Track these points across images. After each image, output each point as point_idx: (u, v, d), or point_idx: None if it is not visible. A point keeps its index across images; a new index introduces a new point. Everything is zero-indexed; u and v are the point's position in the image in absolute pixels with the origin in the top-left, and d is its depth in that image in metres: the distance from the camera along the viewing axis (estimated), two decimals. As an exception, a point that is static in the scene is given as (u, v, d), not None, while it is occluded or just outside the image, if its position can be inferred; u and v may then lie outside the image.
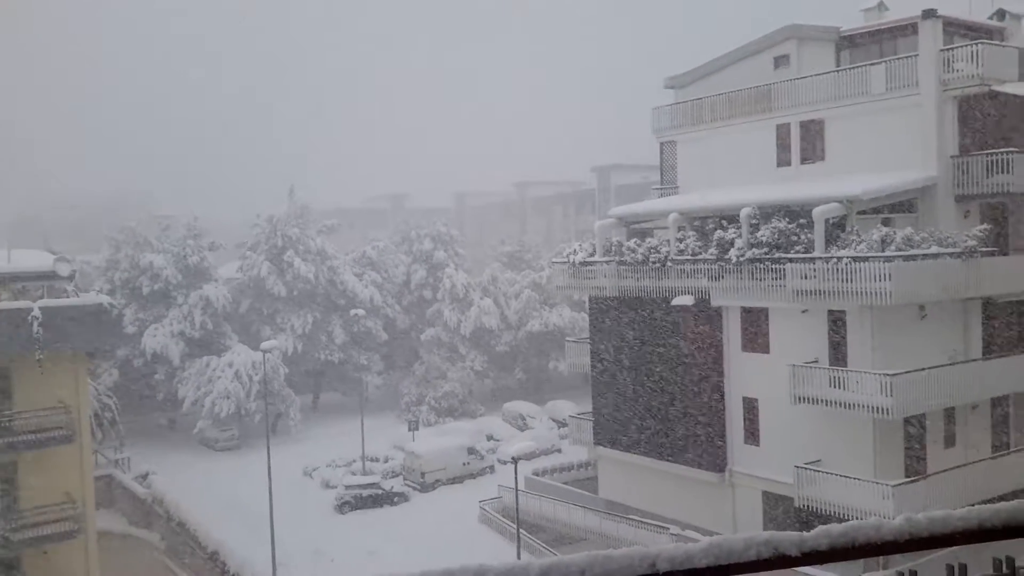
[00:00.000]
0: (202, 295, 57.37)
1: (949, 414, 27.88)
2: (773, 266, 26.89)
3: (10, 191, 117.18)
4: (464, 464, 46.43)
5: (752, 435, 29.57)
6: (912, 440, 26.96)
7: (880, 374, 24.69)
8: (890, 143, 28.16)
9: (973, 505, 2.26)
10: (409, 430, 51.38)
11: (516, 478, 29.77)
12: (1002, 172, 26.81)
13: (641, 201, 39.01)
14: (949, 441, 28.00)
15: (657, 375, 31.80)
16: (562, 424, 49.86)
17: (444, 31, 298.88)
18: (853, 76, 29.05)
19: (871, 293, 24.41)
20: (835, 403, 25.70)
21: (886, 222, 27.41)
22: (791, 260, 26.39)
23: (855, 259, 24.71)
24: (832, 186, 27.49)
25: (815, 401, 26.21)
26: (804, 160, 30.77)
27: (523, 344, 63.32)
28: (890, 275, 24.03)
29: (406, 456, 46.89)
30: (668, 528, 30.53)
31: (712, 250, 28.79)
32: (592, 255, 33.59)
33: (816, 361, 26.85)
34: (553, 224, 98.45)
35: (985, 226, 26.92)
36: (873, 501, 24.77)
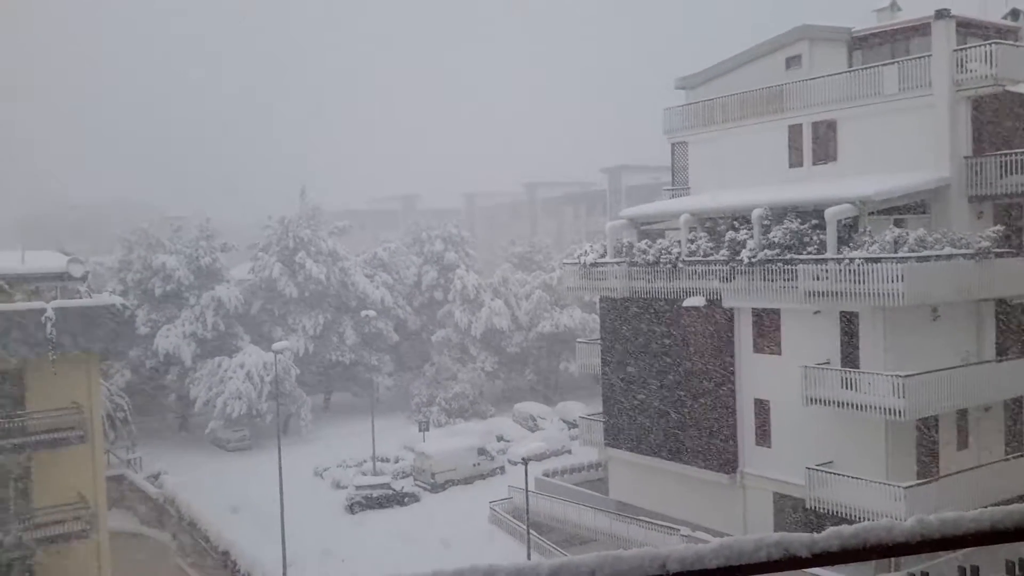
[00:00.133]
0: (214, 296, 57.60)
1: (962, 416, 27.73)
2: (785, 267, 26.80)
3: (21, 193, 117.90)
4: (474, 465, 46.45)
5: (763, 436, 29.47)
6: (924, 442, 26.82)
7: (892, 375, 24.57)
8: (903, 144, 28.03)
9: (986, 507, 2.25)
10: (420, 431, 51.45)
11: (526, 479, 29.77)
12: (1016, 173, 26.66)
13: (652, 202, 38.96)
14: (962, 443, 27.84)
15: (668, 376, 31.73)
16: (572, 425, 49.84)
17: (447, 31, 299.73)
18: (866, 76, 28.94)
19: (884, 294, 24.30)
20: (847, 404, 25.59)
21: (899, 223, 27.30)
22: (803, 261, 26.30)
23: (868, 260, 24.61)
24: (844, 187, 27.39)
25: (827, 403, 26.10)
26: (816, 161, 30.66)
27: (534, 345, 63.30)
28: (903, 276, 23.92)
29: (416, 457, 46.95)
30: (679, 529, 30.47)
31: (724, 251, 28.71)
32: (603, 256, 33.55)
33: (828, 362, 26.74)
34: (563, 225, 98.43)
35: (999, 227, 26.77)
36: (885, 503, 24.65)
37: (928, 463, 26.78)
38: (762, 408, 29.45)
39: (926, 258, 24.65)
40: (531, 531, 32.37)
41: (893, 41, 30.03)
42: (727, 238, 28.73)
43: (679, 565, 1.90)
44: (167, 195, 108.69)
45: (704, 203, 31.95)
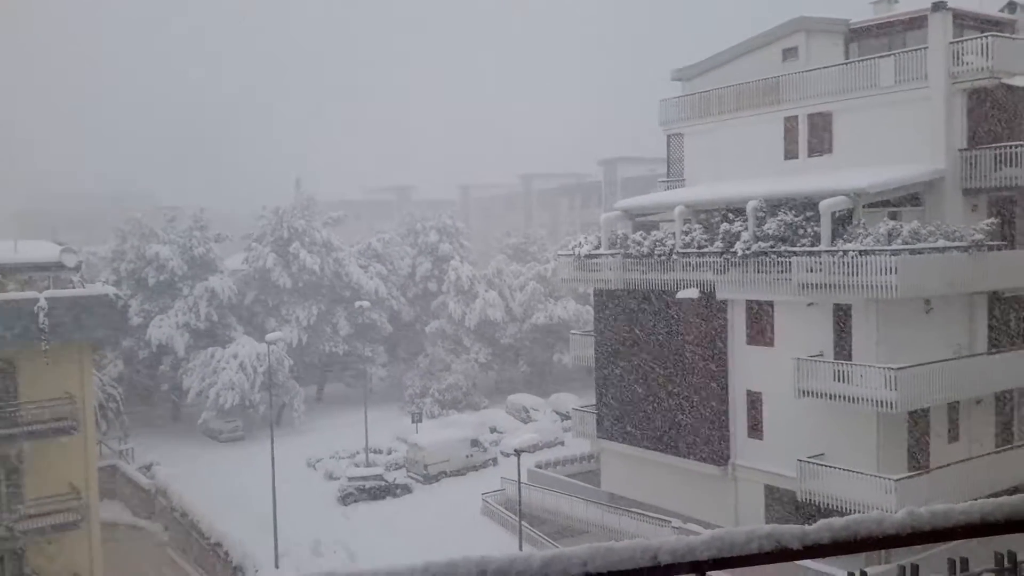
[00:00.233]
0: (208, 286, 57.48)
1: (953, 408, 27.83)
2: (779, 259, 26.84)
3: (15, 184, 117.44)
4: (467, 456, 46.50)
5: (755, 428, 29.55)
6: (915, 434, 26.92)
7: (885, 368, 24.64)
8: (898, 136, 28.05)
9: (976, 500, 2.25)
10: (413, 422, 51.47)
11: (519, 471, 29.84)
12: (1011, 166, 26.72)
13: (647, 194, 38.95)
14: (953, 435, 27.96)
15: (661, 368, 31.78)
16: (565, 417, 49.91)
17: (443, 26, 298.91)
18: (862, 69, 28.93)
19: (877, 287, 24.35)
20: (839, 397, 25.66)
21: (893, 215, 27.34)
22: (797, 253, 26.33)
23: (861, 252, 24.65)
24: (839, 179, 27.40)
25: (819, 395, 26.17)
26: (812, 153, 30.68)
27: (527, 337, 63.33)
28: (896, 269, 23.97)
29: (409, 448, 46.98)
30: (670, 521, 30.57)
31: (718, 243, 28.74)
32: (597, 248, 33.56)
33: (821, 355, 26.81)
34: (558, 216, 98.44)
35: (993, 220, 26.82)
36: (876, 495, 24.75)
37: (919, 456, 26.89)
38: (754, 400, 29.52)
39: (920, 251, 24.70)
40: (523, 522, 32.44)
41: (890, 33, 30.03)
42: (721, 230, 28.75)
43: (670, 557, 1.90)
44: (162, 186, 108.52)
45: (699, 195, 31.95)
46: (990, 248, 26.17)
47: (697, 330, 30.54)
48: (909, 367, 24.74)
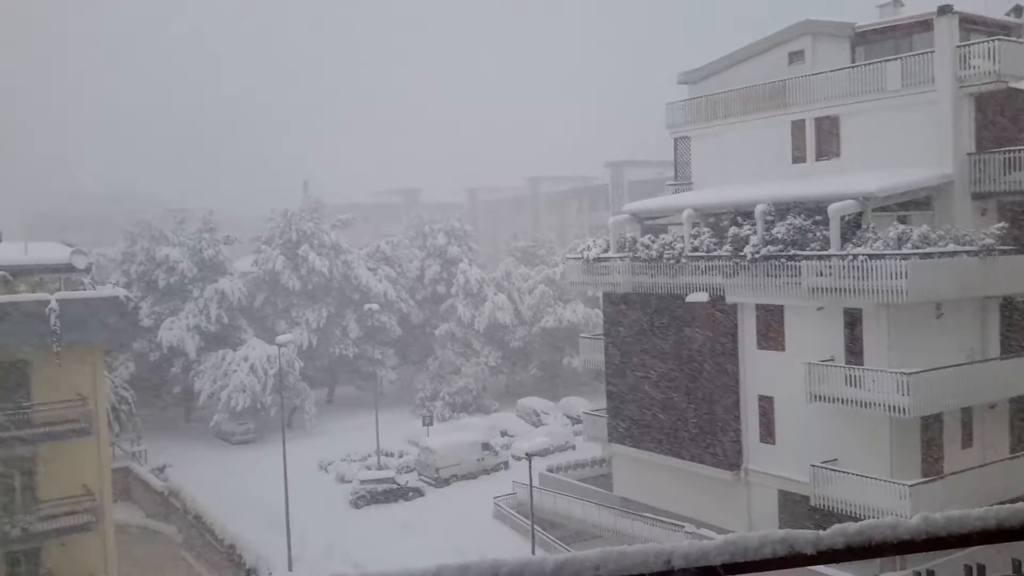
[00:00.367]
0: (217, 289, 57.65)
1: (967, 414, 27.69)
2: (788, 263, 26.77)
3: (23, 186, 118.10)
4: (478, 460, 46.50)
5: (768, 433, 29.46)
6: (929, 440, 26.79)
7: (897, 373, 24.54)
8: (906, 140, 27.96)
9: (991, 506, 2.25)
10: (423, 425, 51.47)
11: (530, 474, 29.80)
12: (1020, 170, 26.60)
13: (655, 197, 38.91)
14: (966, 441, 27.80)
15: (671, 372, 31.72)
16: (576, 420, 49.85)
17: (450, 27, 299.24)
18: (868, 72, 28.86)
19: (887, 291, 24.26)
20: (851, 402, 25.57)
21: (902, 220, 27.25)
22: (807, 257, 26.26)
23: (871, 257, 24.57)
24: (848, 183, 27.33)
25: (831, 400, 26.08)
26: (819, 157, 30.61)
27: (537, 340, 63.29)
28: (906, 273, 23.87)
29: (420, 451, 47.00)
30: (683, 526, 30.49)
31: (727, 247, 28.68)
32: (606, 251, 33.54)
33: (832, 359, 26.72)
34: (566, 220, 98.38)
35: (1002, 224, 26.71)
36: (890, 501, 24.64)
37: (933, 461, 26.75)
38: (766, 405, 29.44)
39: (929, 255, 24.60)
40: (535, 527, 32.40)
41: (896, 37, 29.94)
42: (730, 234, 28.70)
43: (684, 561, 1.91)
44: (171, 189, 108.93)
45: (707, 198, 31.90)
46: (1001, 252, 26.05)
47: (707, 334, 30.48)
48: (921, 372, 24.63)
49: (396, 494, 42.89)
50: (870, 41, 30.57)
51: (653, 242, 31.43)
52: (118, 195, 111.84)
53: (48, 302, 24.89)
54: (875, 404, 24.99)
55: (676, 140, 36.33)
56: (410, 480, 44.84)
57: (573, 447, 48.84)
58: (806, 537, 1.98)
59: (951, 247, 25.09)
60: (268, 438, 51.96)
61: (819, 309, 27.11)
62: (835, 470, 26.30)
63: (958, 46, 27.06)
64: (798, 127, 31.15)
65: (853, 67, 29.58)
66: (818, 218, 26.85)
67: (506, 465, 47.01)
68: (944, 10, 27.27)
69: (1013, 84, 26.95)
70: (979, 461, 27.26)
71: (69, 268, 27.89)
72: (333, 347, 60.92)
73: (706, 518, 30.47)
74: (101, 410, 27.51)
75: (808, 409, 27.09)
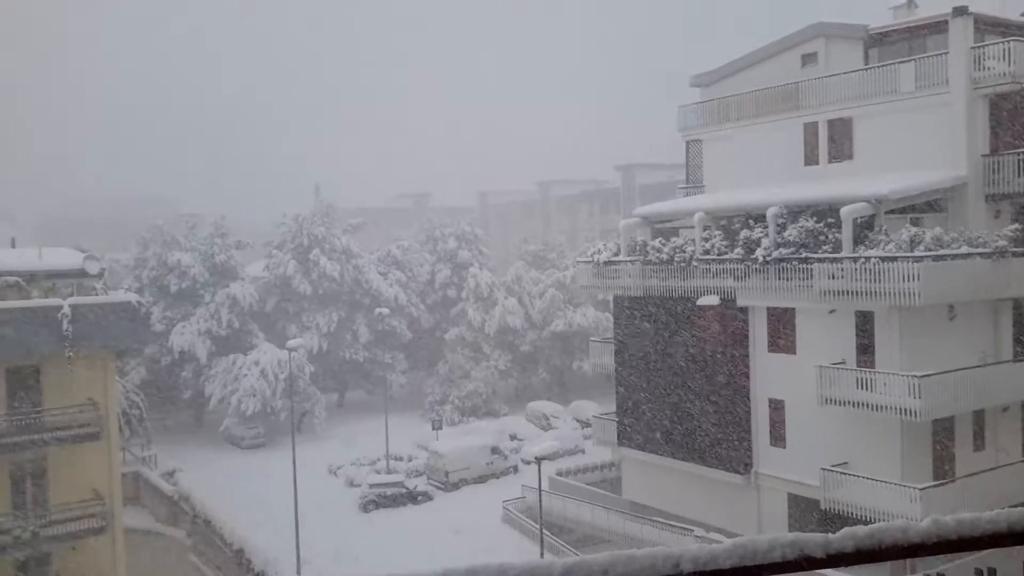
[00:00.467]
0: (229, 293, 57.86)
1: (979, 416, 27.52)
2: (800, 266, 26.68)
3: (37, 191, 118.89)
4: (488, 464, 46.47)
5: (778, 437, 29.35)
6: (940, 443, 26.64)
7: (909, 375, 24.41)
8: (919, 142, 27.84)
9: (1003, 509, 2.22)
10: (433, 429, 51.53)
11: (539, 478, 29.73)
12: (1034, 171, 26.44)
13: (666, 200, 38.85)
14: (978, 444, 27.64)
15: (682, 376, 31.65)
16: (586, 424, 49.80)
17: (461, 31, 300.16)
18: (882, 74, 28.76)
19: (900, 293, 24.15)
20: (863, 405, 25.44)
21: (915, 222, 27.11)
22: (819, 260, 26.17)
23: (883, 259, 24.46)
24: (860, 185, 27.22)
25: (842, 403, 25.96)
26: (832, 159, 30.50)
27: (547, 344, 63.28)
28: (919, 275, 23.76)
29: (430, 455, 47.02)
30: (692, 530, 30.39)
31: (738, 250, 28.61)
32: (617, 254, 33.49)
33: (843, 362, 26.60)
34: (577, 223, 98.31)
35: (1016, 226, 26.55)
36: (901, 504, 24.51)
37: (944, 464, 26.60)
38: (777, 408, 29.33)
39: (942, 257, 24.48)
40: (544, 530, 32.34)
41: (910, 39, 29.82)
42: (742, 236, 28.62)
43: (692, 565, 1.89)
44: (183, 193, 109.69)
45: (719, 201, 31.83)
46: (1014, 255, 25.90)
47: (718, 337, 30.40)
48: (933, 375, 24.50)
49: (405, 498, 42.91)
50: (884, 43, 30.46)
51: (664, 245, 31.37)
52: (130, 200, 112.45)
53: (61, 307, 25.04)
54: (886, 407, 24.86)
55: (688, 143, 36.28)
56: (419, 484, 44.86)
57: (582, 451, 48.79)
58: (816, 540, 1.95)
59: (964, 249, 24.96)
60: (278, 442, 52.08)
61: (831, 312, 27.00)
62: (846, 473, 26.18)
63: (973, 47, 26.94)
64: (811, 129, 31.06)
65: (867, 69, 29.48)
66: (830, 220, 26.75)
67: (515, 469, 46.97)
68: (959, 11, 27.15)
69: (1027, 86, 26.81)
70: (991, 464, 27.08)
71: (82, 273, 28.04)
72: (343, 351, 61.04)
73: (715, 522, 30.37)
74: (112, 415, 27.63)
75: (819, 412, 26.97)
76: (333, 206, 65.42)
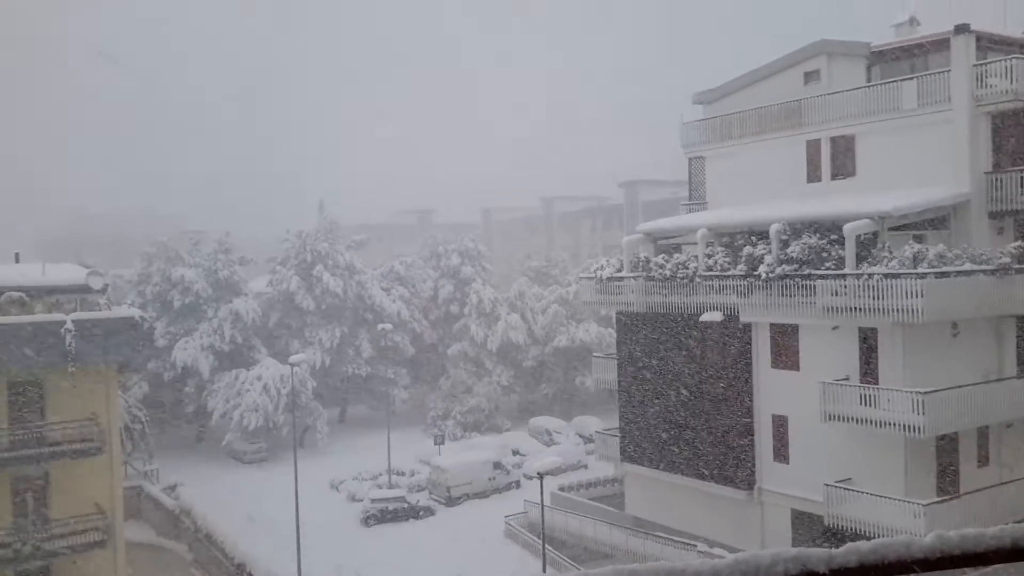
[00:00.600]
0: (232, 309, 57.90)
1: (982, 433, 27.44)
2: (803, 282, 26.67)
3: (41, 207, 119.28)
4: (490, 479, 46.34)
5: (781, 453, 29.26)
6: (944, 459, 26.55)
7: (912, 392, 24.36)
8: (922, 159, 27.89)
9: (1007, 524, 2.22)
10: (435, 444, 51.41)
11: (542, 493, 29.64)
12: (1037, 188, 26.45)
13: (669, 216, 38.89)
14: (982, 460, 27.54)
15: (685, 391, 31.59)
16: (588, 440, 49.66)
17: (465, 48, 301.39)
18: (884, 92, 28.84)
19: (903, 310, 24.12)
20: (866, 421, 25.38)
21: (918, 239, 27.13)
22: (822, 276, 26.16)
23: (887, 276, 24.45)
24: (863, 202, 27.25)
25: (846, 419, 25.89)
26: (835, 176, 30.55)
27: (550, 359, 63.20)
28: (922, 292, 23.74)
29: (432, 470, 46.90)
30: (695, 545, 30.27)
31: (741, 266, 28.62)
32: (619, 271, 33.51)
33: (847, 378, 26.55)
34: (580, 239, 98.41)
35: (1019, 243, 26.54)
36: (904, 520, 24.41)
37: (948, 481, 26.50)
38: (780, 424, 29.25)
39: (946, 274, 24.47)
40: (546, 545, 32.21)
41: (912, 56, 29.92)
42: (744, 253, 28.63)
43: (695, 580, 1.89)
44: (186, 209, 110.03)
45: (722, 218, 31.87)
46: (1017, 271, 25.88)
47: (721, 353, 30.36)
48: (937, 391, 24.45)
49: (407, 513, 42.77)
50: (886, 60, 30.57)
51: (667, 261, 31.38)
52: (134, 216, 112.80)
53: (64, 322, 25.08)
54: (890, 423, 24.80)
55: (691, 160, 36.36)
56: (421, 499, 44.73)
57: (585, 466, 48.64)
58: (819, 555, 1.95)
59: (967, 266, 24.96)
60: (280, 457, 51.98)
61: (834, 328, 26.97)
62: (849, 489, 26.08)
63: (975, 65, 27.01)
64: (813, 146, 31.13)
65: (869, 86, 29.57)
66: (833, 237, 26.76)
67: (518, 484, 46.84)
68: (961, 29, 27.24)
69: (1029, 103, 26.86)
70: (995, 480, 26.98)
71: (85, 289, 28.11)
72: (346, 367, 61.02)
73: (719, 537, 30.25)
74: (114, 429, 27.63)
75: (822, 428, 26.90)
76: (337, 222, 65.51)
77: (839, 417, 26.03)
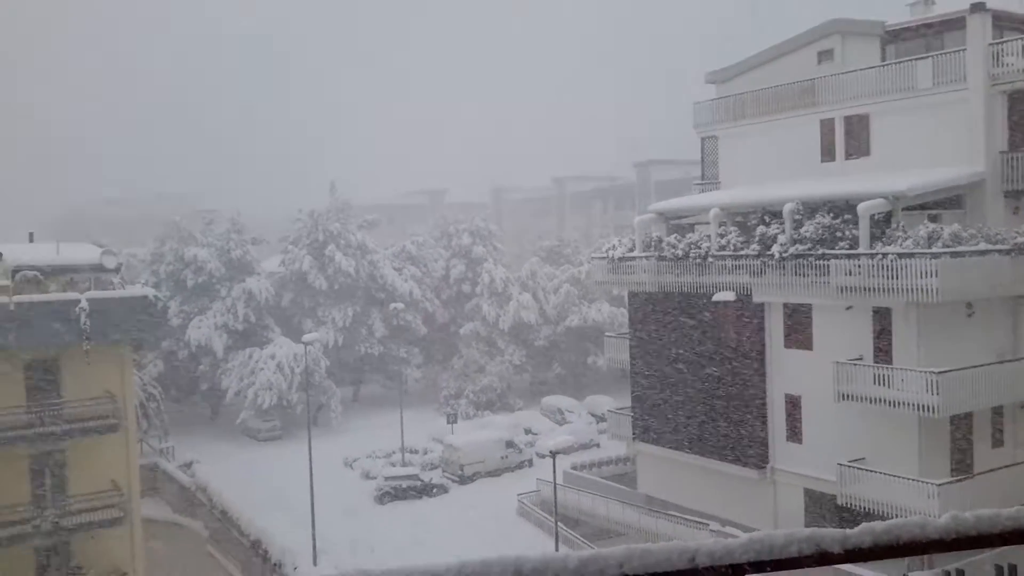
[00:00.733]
0: (245, 288, 58.10)
1: (997, 413, 27.34)
2: (817, 262, 26.54)
3: (56, 187, 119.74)
4: (502, 457, 46.54)
5: (794, 432, 29.25)
6: (958, 439, 26.48)
7: (926, 372, 24.28)
8: (937, 138, 27.63)
9: (1022, 505, 2.21)
10: (448, 423, 51.62)
11: (554, 472, 29.76)
12: (1054, 167, 26.19)
13: (681, 196, 38.73)
14: (997, 440, 27.46)
15: (697, 371, 31.57)
16: (600, 419, 49.77)
17: (474, 27, 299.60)
18: (899, 71, 28.55)
19: (917, 290, 23.99)
20: (880, 401, 25.32)
21: (933, 218, 26.93)
22: (835, 256, 26.02)
23: (901, 255, 24.31)
24: (877, 182, 27.06)
25: (859, 399, 25.84)
26: (849, 155, 30.32)
27: (562, 339, 63.24)
28: (937, 272, 23.60)
29: (445, 449, 47.12)
30: (708, 524, 30.35)
31: (754, 246, 28.49)
32: (631, 250, 33.42)
33: (860, 358, 26.46)
34: (592, 219, 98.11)
35: (1035, 222, 26.32)
36: (918, 500, 24.40)
37: (962, 461, 26.44)
38: (793, 404, 29.22)
39: (960, 254, 24.30)
40: (559, 524, 32.37)
41: (927, 35, 29.58)
42: (758, 232, 28.50)
43: (708, 559, 1.89)
44: (198, 189, 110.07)
45: (735, 197, 31.71)
46: (1034, 251, 25.67)
47: (734, 333, 30.31)
48: (951, 371, 24.35)
49: (420, 491, 43.03)
50: (901, 39, 30.23)
51: (679, 241, 31.27)
52: (147, 196, 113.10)
53: (78, 301, 25.24)
54: (904, 403, 24.73)
55: (703, 139, 36.14)
56: (434, 477, 44.97)
57: (597, 445, 48.77)
58: (833, 536, 1.95)
59: (982, 246, 24.78)
60: (294, 435, 52.31)
61: (848, 308, 26.86)
62: (862, 469, 26.07)
63: (991, 44, 26.69)
64: (827, 126, 30.88)
65: (883, 66, 29.26)
66: (847, 217, 26.59)
67: (530, 463, 47.02)
68: (977, 7, 26.90)
69: (1047, 81, 26.55)
70: (1010, 460, 26.92)
71: (99, 268, 28.25)
72: (359, 346, 61.21)
73: (731, 517, 30.31)
74: (129, 407, 27.86)
75: (836, 408, 26.86)
76: (348, 202, 65.52)
77: (853, 397, 25.98)
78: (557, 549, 30.48)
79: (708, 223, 31.05)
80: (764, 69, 33.74)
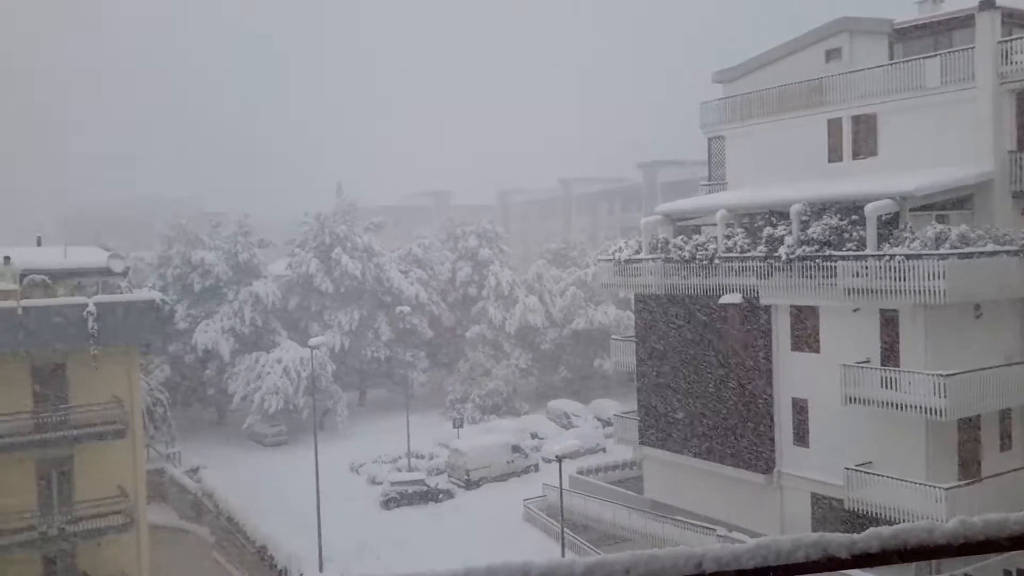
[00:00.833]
0: (252, 291, 58.22)
1: (1005, 416, 27.21)
2: (824, 264, 26.46)
3: (63, 190, 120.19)
4: (508, 462, 46.49)
5: (801, 436, 29.15)
6: (966, 442, 26.36)
7: (934, 375, 24.17)
8: (945, 138, 27.54)
9: (1033, 509, 2.18)
10: (454, 427, 51.62)
11: (560, 477, 29.73)
12: (1062, 168, 26.08)
13: (688, 197, 38.68)
14: (1005, 444, 27.32)
15: (704, 374, 31.50)
16: (607, 423, 49.70)
17: (481, 28, 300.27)
18: (907, 69, 28.47)
19: (925, 292, 23.90)
20: (887, 404, 25.22)
21: (940, 219, 26.84)
22: (843, 258, 25.94)
23: (908, 257, 24.22)
24: (885, 182, 26.97)
25: (866, 402, 25.75)
26: (856, 155, 30.24)
27: (568, 342, 63.19)
28: (945, 273, 23.51)
29: (451, 453, 47.11)
30: (714, 529, 30.26)
31: (761, 247, 28.42)
32: (638, 252, 33.38)
33: (868, 361, 26.37)
34: (598, 221, 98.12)
35: (1044, 223, 26.21)
36: (925, 504, 24.28)
37: (970, 464, 26.32)
38: (800, 407, 29.13)
39: (968, 255, 24.21)
40: (565, 529, 32.31)
41: (936, 33, 29.51)
42: (765, 234, 28.43)
43: (715, 565, 1.87)
44: (204, 192, 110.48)
45: (741, 198, 31.64)
46: (1042, 252, 25.55)
47: (740, 336, 30.23)
48: (959, 373, 24.24)
49: (426, 496, 43.02)
50: (909, 38, 30.17)
51: (686, 243, 31.22)
52: (153, 199, 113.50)
53: (86, 305, 25.30)
54: (911, 406, 24.63)
55: (710, 140, 36.09)
56: (440, 482, 44.96)
57: (603, 449, 48.71)
58: (840, 541, 1.93)
59: (991, 247, 24.67)
60: (300, 440, 52.34)
61: (855, 310, 26.78)
62: (870, 473, 25.96)
63: (1000, 42, 26.59)
64: (835, 125, 30.80)
65: (891, 64, 29.18)
66: (855, 218, 26.51)
67: (536, 467, 46.97)
68: (986, 4, 26.80)
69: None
70: (1019, 464, 26.78)
71: (106, 272, 28.34)
72: (365, 349, 61.27)
73: (738, 521, 30.22)
74: (136, 412, 27.89)
75: (843, 411, 26.76)
76: (354, 204, 65.63)
77: (860, 400, 25.88)
78: (564, 555, 30.47)
79: (715, 224, 30.99)
80: (771, 68, 33.68)
